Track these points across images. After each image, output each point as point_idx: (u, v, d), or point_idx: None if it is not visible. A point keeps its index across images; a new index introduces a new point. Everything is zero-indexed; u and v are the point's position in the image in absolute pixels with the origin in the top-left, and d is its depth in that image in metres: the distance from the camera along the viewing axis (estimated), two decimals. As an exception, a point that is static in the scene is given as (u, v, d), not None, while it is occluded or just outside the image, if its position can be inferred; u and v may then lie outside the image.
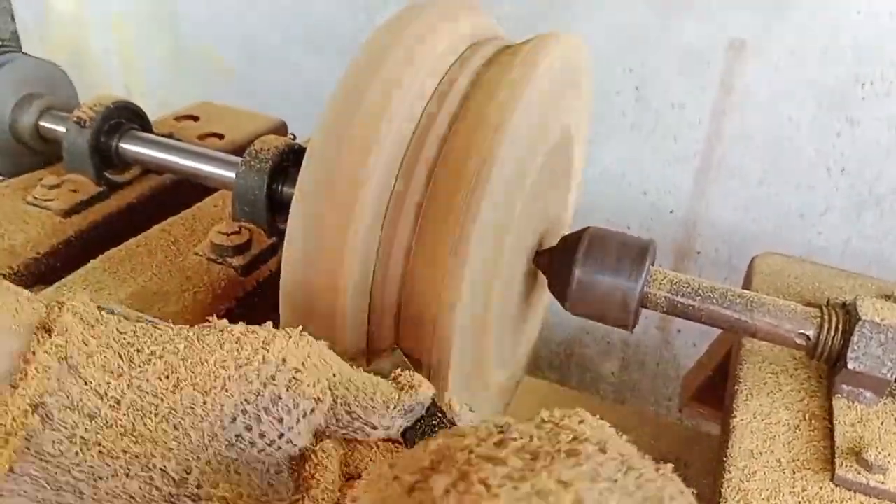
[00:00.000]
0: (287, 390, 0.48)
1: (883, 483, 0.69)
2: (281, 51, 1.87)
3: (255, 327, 0.51)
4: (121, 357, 0.46)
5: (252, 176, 0.88)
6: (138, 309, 0.60)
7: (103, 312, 0.49)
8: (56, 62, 1.14)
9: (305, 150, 0.69)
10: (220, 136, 1.21)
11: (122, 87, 2.17)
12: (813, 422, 0.77)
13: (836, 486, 0.70)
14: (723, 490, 0.69)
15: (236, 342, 0.49)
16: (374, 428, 0.53)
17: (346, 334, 0.71)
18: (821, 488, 0.70)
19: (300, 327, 0.53)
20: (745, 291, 0.79)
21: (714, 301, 0.78)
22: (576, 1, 1.49)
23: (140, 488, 0.45)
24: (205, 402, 0.46)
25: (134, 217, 1.01)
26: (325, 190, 0.68)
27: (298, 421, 0.49)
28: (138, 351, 0.47)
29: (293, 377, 0.48)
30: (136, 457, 0.45)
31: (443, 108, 0.72)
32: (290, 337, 0.51)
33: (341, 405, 0.51)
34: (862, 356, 0.74)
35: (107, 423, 0.44)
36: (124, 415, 0.44)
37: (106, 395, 0.44)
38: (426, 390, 0.56)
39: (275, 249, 0.90)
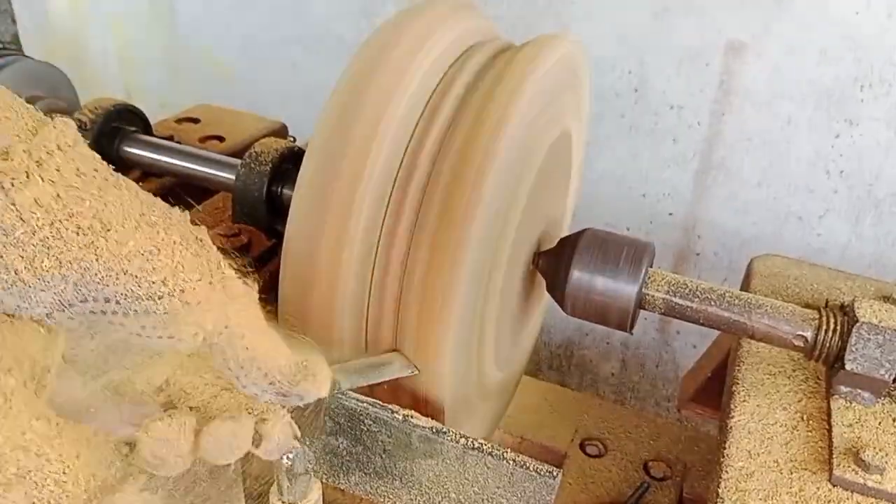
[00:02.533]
0: (164, 314, 0.52)
1: (880, 483, 0.69)
2: (280, 51, 1.88)
3: (190, 245, 0.54)
4: (58, 199, 0.50)
5: (252, 178, 0.88)
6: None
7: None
8: (55, 62, 1.15)
9: (305, 153, 0.69)
10: (221, 139, 1.22)
11: (121, 87, 2.17)
12: (811, 422, 0.77)
13: (834, 486, 0.70)
14: (720, 490, 0.70)
15: (156, 252, 0.52)
16: (243, 386, 0.57)
17: (344, 335, 0.71)
18: (818, 488, 0.70)
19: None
20: (744, 293, 0.79)
21: (712, 302, 0.78)
22: (575, 2, 1.49)
23: (9, 306, 0.51)
24: (97, 273, 0.50)
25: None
26: (325, 192, 0.68)
27: (160, 338, 0.53)
28: (78, 199, 0.50)
29: (177, 307, 0.52)
30: (23, 282, 0.50)
31: (442, 109, 0.72)
32: (211, 282, 0.54)
33: (222, 351, 0.55)
34: (860, 357, 0.74)
35: (16, 243, 0.49)
36: (31, 244, 0.49)
37: (27, 221, 0.48)
38: (311, 391, 0.59)
39: (274, 251, 0.90)
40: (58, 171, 0.50)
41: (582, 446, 1.05)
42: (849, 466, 0.71)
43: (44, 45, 2.16)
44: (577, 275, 0.79)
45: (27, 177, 0.49)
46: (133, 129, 1.05)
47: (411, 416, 0.67)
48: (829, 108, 1.40)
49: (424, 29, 0.74)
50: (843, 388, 0.78)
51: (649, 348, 1.78)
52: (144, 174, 1.07)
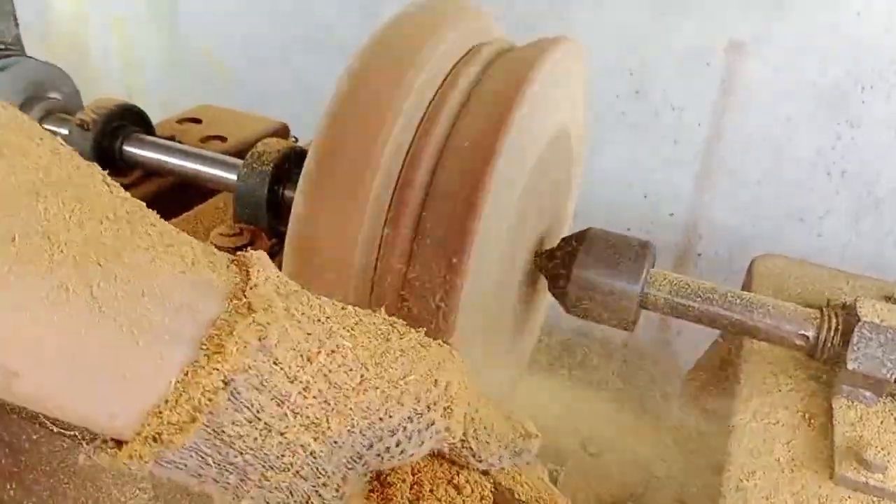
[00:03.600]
0: (441, 417, 0.46)
1: (882, 482, 0.69)
2: (281, 52, 1.88)
3: (427, 340, 0.49)
4: (309, 337, 0.43)
5: (254, 178, 0.88)
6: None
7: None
8: (56, 63, 1.15)
9: (307, 153, 0.70)
10: (223, 139, 1.22)
11: (123, 87, 2.17)
12: (812, 421, 0.77)
13: (836, 485, 0.70)
14: (722, 489, 0.70)
15: (416, 353, 0.47)
16: (480, 461, 0.52)
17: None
18: (820, 487, 0.70)
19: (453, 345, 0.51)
20: (745, 293, 0.79)
21: (714, 302, 0.78)
22: (576, 2, 1.49)
23: (306, 490, 0.43)
24: (382, 408, 0.44)
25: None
26: (327, 192, 0.68)
27: (431, 441, 0.47)
28: (328, 335, 0.43)
29: (449, 406, 0.47)
30: (315, 456, 0.43)
31: (443, 109, 0.72)
32: (455, 358, 0.49)
33: (473, 429, 0.50)
34: (862, 357, 0.74)
35: (294, 410, 0.41)
36: (310, 405, 0.41)
37: (296, 379, 0.41)
38: (537, 440, 0.55)
39: (276, 252, 0.90)
40: (296, 310, 0.43)
41: (583, 445, 1.05)
42: (851, 465, 0.71)
43: (45, 46, 2.16)
44: (579, 274, 0.79)
45: (273, 314, 0.41)
46: (135, 129, 1.05)
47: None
48: (830, 109, 1.40)
49: (426, 29, 0.74)
50: (844, 388, 0.78)
51: (650, 348, 1.78)
52: (146, 174, 1.07)
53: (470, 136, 0.69)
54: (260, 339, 0.40)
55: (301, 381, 0.41)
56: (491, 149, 0.67)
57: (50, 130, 1.06)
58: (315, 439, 0.42)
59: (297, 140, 1.20)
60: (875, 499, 0.69)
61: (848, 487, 0.70)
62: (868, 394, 0.77)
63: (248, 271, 0.44)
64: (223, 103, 1.36)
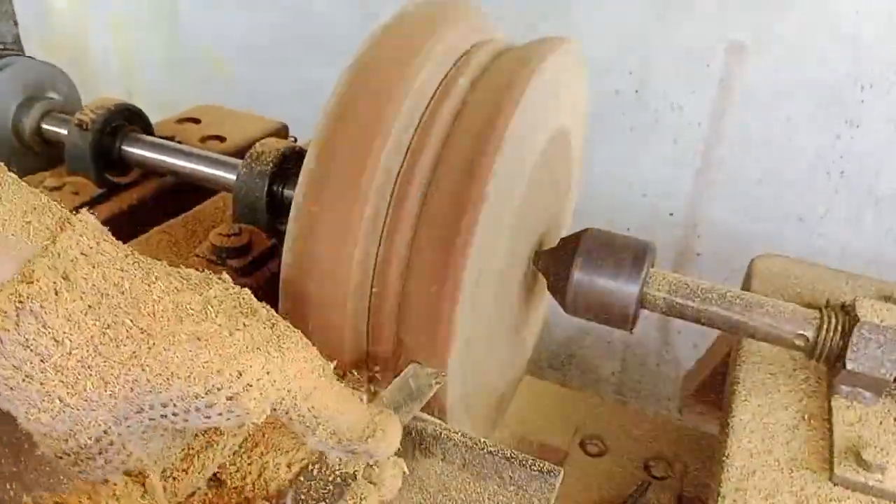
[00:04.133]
0: (227, 400, 0.51)
1: (881, 482, 0.69)
2: (281, 52, 1.88)
3: (236, 320, 0.53)
4: (90, 310, 0.48)
5: (253, 178, 0.88)
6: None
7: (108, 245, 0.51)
8: (56, 63, 1.15)
9: (306, 153, 0.70)
10: (222, 139, 1.22)
11: (122, 88, 2.18)
12: (812, 421, 0.77)
13: (835, 485, 0.70)
14: (721, 489, 0.70)
15: (212, 339, 0.51)
16: (312, 443, 0.57)
17: (345, 336, 0.71)
18: (819, 487, 0.70)
19: (284, 335, 0.55)
20: (745, 292, 0.79)
21: (713, 302, 0.78)
22: (576, 2, 1.49)
23: (62, 433, 0.50)
24: (147, 382, 0.49)
25: (134, 219, 1.01)
26: (326, 192, 0.68)
27: (224, 419, 0.52)
28: (112, 311, 0.49)
29: (238, 392, 0.51)
30: (70, 407, 0.49)
31: (443, 108, 0.72)
32: (275, 351, 0.53)
33: (287, 413, 0.54)
34: (861, 357, 0.74)
35: (54, 367, 0.47)
36: (71, 367, 0.48)
37: (62, 342, 0.47)
38: (382, 448, 0.58)
39: (275, 251, 0.90)
40: (85, 280, 0.48)
41: (582, 445, 1.05)
42: (850, 465, 0.71)
43: (45, 46, 2.16)
44: (578, 274, 0.79)
45: (56, 294, 0.47)
46: (134, 128, 1.05)
47: (413, 415, 0.67)
48: (830, 109, 1.40)
49: (426, 28, 0.74)
50: (844, 388, 0.78)
51: (650, 347, 1.78)
52: (145, 174, 1.07)
53: (469, 135, 0.69)
54: (19, 307, 0.46)
55: (65, 346, 0.47)
56: (490, 148, 0.67)
57: (50, 130, 1.06)
58: (69, 395, 0.48)
59: (295, 140, 1.20)
60: (874, 499, 0.69)
61: (847, 488, 0.70)
62: (867, 394, 0.77)
63: (57, 236, 0.49)
64: (223, 103, 1.36)
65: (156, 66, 2.11)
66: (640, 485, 0.98)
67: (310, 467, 0.61)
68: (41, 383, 0.47)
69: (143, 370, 0.49)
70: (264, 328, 0.54)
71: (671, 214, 1.61)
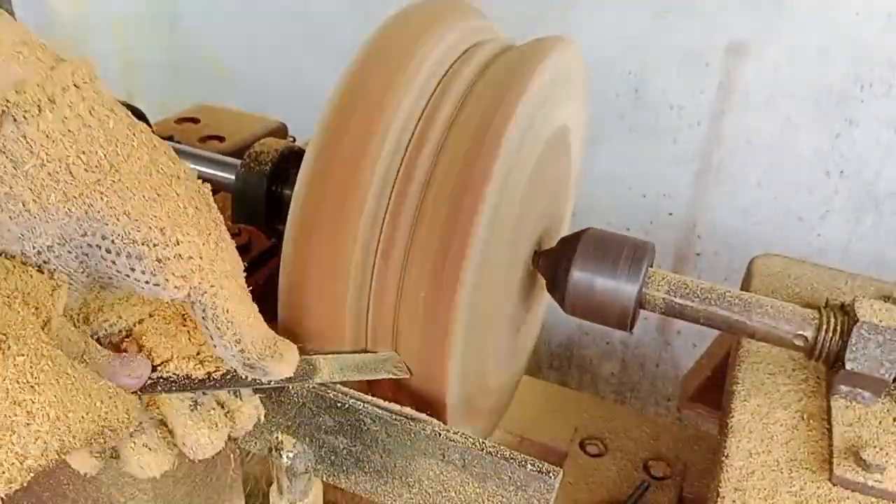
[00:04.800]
0: (156, 261, 0.54)
1: (881, 482, 0.69)
2: (281, 52, 1.88)
3: (195, 200, 0.57)
4: (69, 134, 0.51)
5: (252, 178, 0.88)
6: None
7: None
8: (56, 64, 1.15)
9: (305, 153, 0.70)
10: (221, 139, 1.22)
11: (122, 88, 2.18)
12: (811, 422, 0.77)
13: (834, 485, 0.70)
14: (721, 490, 0.70)
15: (164, 201, 0.55)
16: (213, 341, 0.58)
17: (344, 337, 0.71)
18: (819, 488, 0.70)
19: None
20: (744, 293, 0.79)
21: (712, 302, 0.78)
22: (576, 2, 1.49)
23: (13, 236, 0.53)
24: (100, 211, 0.52)
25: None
26: (325, 192, 0.68)
27: (146, 279, 0.55)
28: (89, 140, 0.52)
29: (169, 257, 0.54)
30: (29, 213, 0.52)
31: (442, 108, 0.72)
32: (206, 241, 0.56)
33: (204, 309, 0.57)
34: (860, 357, 0.74)
35: (24, 174, 0.50)
36: (40, 178, 0.51)
37: (36, 154, 0.50)
38: (276, 370, 0.61)
39: (274, 251, 0.90)
40: (70, 107, 0.51)
41: (582, 445, 1.05)
42: (849, 466, 0.71)
43: (45, 47, 2.15)
44: (577, 274, 0.79)
45: (39, 110, 0.50)
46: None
47: (412, 415, 0.67)
48: (830, 108, 1.40)
49: (425, 28, 0.74)
50: (843, 388, 0.78)
51: (649, 348, 1.78)
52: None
53: (468, 135, 0.69)
54: (4, 111, 0.49)
55: (39, 158, 0.50)
56: (490, 149, 0.67)
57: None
58: (33, 201, 0.51)
59: (294, 140, 1.20)
60: (873, 499, 0.69)
61: (846, 488, 0.70)
62: (866, 394, 0.77)
63: (56, 66, 0.52)
64: (223, 104, 1.36)
65: (156, 67, 2.11)
66: (639, 485, 0.98)
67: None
68: (10, 186, 0.51)
69: (101, 198, 0.52)
70: (211, 221, 0.57)
71: (670, 214, 1.61)
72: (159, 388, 0.60)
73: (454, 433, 0.65)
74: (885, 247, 1.46)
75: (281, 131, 1.29)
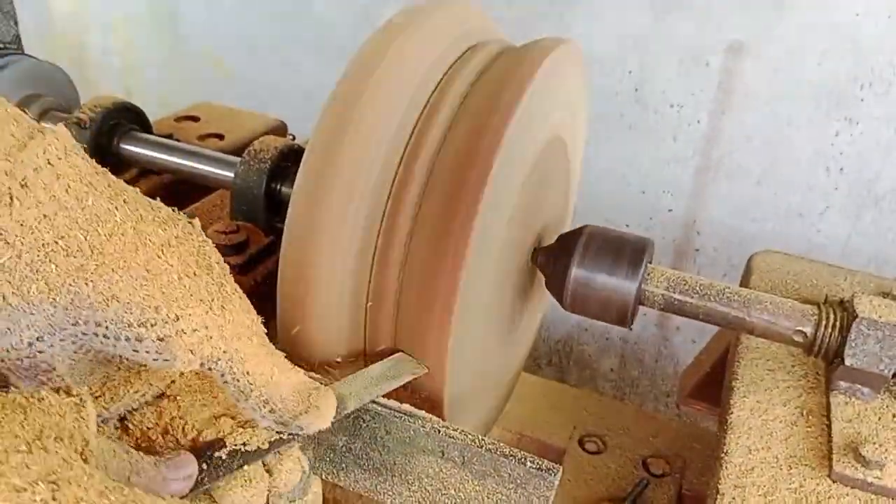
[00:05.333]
0: (157, 340, 0.51)
1: (880, 479, 0.69)
2: (280, 51, 1.88)
3: (189, 267, 0.54)
4: (45, 220, 0.49)
5: (251, 176, 0.88)
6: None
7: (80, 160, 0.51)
8: (56, 62, 1.15)
9: (304, 151, 0.69)
10: (220, 137, 1.22)
11: (123, 88, 2.18)
12: (810, 418, 0.77)
13: (834, 481, 0.70)
14: (720, 486, 0.70)
15: (161, 276, 0.52)
16: (238, 402, 0.56)
17: (343, 334, 0.71)
18: (818, 484, 0.70)
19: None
20: (743, 289, 0.79)
21: (712, 298, 0.78)
22: (576, 2, 1.49)
23: (4, 331, 0.51)
24: (88, 297, 0.50)
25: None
26: (324, 190, 0.68)
27: (151, 357, 0.52)
28: (68, 225, 0.49)
29: (170, 335, 0.51)
30: (11, 306, 0.49)
31: (442, 107, 0.72)
32: (209, 308, 0.53)
33: (223, 375, 0.54)
34: (859, 353, 0.74)
35: (2, 267, 0.48)
36: (19, 269, 0.48)
37: (12, 245, 0.48)
38: (313, 423, 0.58)
39: (272, 248, 0.90)
40: (44, 189, 0.49)
41: (581, 442, 1.05)
42: (848, 462, 0.71)
43: (45, 46, 2.16)
44: (577, 271, 0.79)
45: (10, 199, 0.47)
46: (132, 126, 1.05)
47: (411, 412, 0.67)
48: (829, 107, 1.40)
49: (425, 28, 0.74)
50: (842, 384, 0.78)
51: (648, 344, 1.78)
52: (143, 172, 1.07)
53: (468, 135, 0.69)
54: None
55: (16, 249, 0.48)
56: (489, 148, 0.67)
57: (47, 128, 1.06)
58: (14, 294, 0.49)
59: (294, 138, 1.20)
60: (873, 496, 0.69)
61: (846, 484, 0.70)
62: (866, 390, 0.77)
63: (27, 143, 0.49)
64: (222, 103, 1.36)
65: (156, 66, 2.11)
66: (638, 482, 0.98)
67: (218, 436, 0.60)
68: None
69: (86, 284, 0.50)
70: (212, 284, 0.54)
71: (670, 211, 1.61)
72: (207, 482, 0.57)
73: (453, 430, 0.65)
74: (884, 244, 1.46)
75: (280, 129, 1.29)
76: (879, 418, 0.76)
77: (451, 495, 0.65)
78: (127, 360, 0.56)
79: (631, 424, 1.08)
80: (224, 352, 0.53)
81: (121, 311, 0.50)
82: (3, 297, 0.49)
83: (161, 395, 0.61)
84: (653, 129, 1.54)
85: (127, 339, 0.51)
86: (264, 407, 0.56)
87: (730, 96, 1.46)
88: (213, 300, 0.54)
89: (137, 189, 0.55)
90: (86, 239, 0.50)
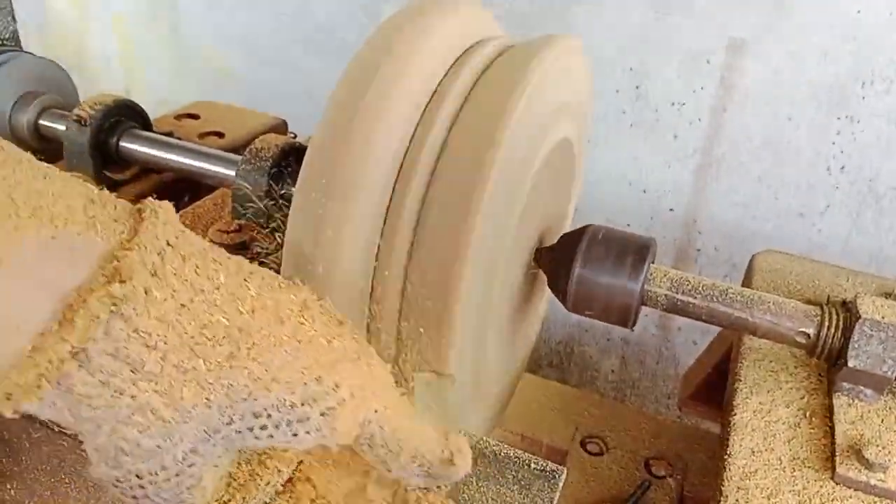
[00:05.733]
0: (321, 416, 0.46)
1: (883, 481, 0.69)
2: (281, 50, 1.88)
3: (337, 335, 0.49)
4: (182, 309, 0.43)
5: (252, 174, 0.88)
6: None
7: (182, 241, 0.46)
8: (56, 61, 1.15)
9: (306, 149, 0.69)
10: (221, 135, 1.22)
11: (122, 86, 2.17)
12: (813, 419, 0.77)
13: (837, 483, 0.70)
14: (723, 488, 0.69)
15: (310, 344, 0.47)
16: (388, 469, 0.51)
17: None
18: (821, 486, 0.70)
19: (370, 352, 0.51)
20: (745, 289, 0.79)
21: (714, 299, 0.78)
22: (576, 1, 1.49)
23: (145, 452, 0.44)
24: (245, 387, 0.44)
25: (134, 215, 1.01)
26: (326, 189, 0.68)
27: (310, 437, 0.47)
28: (207, 307, 0.44)
29: (334, 406, 0.46)
30: (163, 420, 0.43)
31: (443, 107, 0.71)
32: (365, 365, 0.49)
33: (372, 437, 0.49)
34: (862, 354, 0.74)
35: (147, 377, 0.42)
36: (167, 374, 0.43)
37: (155, 347, 0.42)
38: (461, 468, 0.53)
39: (274, 248, 0.90)
40: (175, 275, 0.44)
41: (582, 444, 1.05)
42: (852, 464, 0.70)
43: (44, 43, 2.16)
44: (579, 271, 0.79)
45: (146, 293, 0.42)
46: (132, 124, 1.05)
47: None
48: (830, 105, 1.39)
49: (426, 27, 0.74)
50: (845, 385, 0.78)
51: (650, 345, 1.78)
52: (143, 170, 1.07)
53: (471, 133, 0.69)
54: (112, 311, 0.41)
55: (160, 350, 0.42)
56: (491, 147, 0.66)
57: (47, 126, 1.06)
58: (165, 405, 0.43)
59: (295, 136, 1.20)
60: (876, 498, 0.69)
61: (849, 487, 0.70)
62: (869, 391, 0.77)
63: (136, 227, 0.44)
64: (223, 101, 1.35)
65: (156, 65, 2.10)
66: (640, 484, 0.97)
67: None
68: (132, 396, 0.42)
69: (241, 372, 0.44)
70: (353, 340, 0.50)
71: (671, 210, 1.60)
72: None
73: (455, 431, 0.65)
74: (885, 242, 1.46)
75: (281, 128, 1.29)
76: (882, 420, 0.75)
77: (454, 497, 0.65)
78: (264, 447, 0.51)
79: (633, 426, 1.07)
80: (375, 411, 0.49)
81: (283, 394, 0.45)
82: (153, 412, 0.43)
83: (289, 480, 0.56)
84: (654, 127, 1.54)
85: (289, 422, 0.46)
86: (414, 462, 0.51)
87: (730, 94, 1.45)
88: (358, 356, 0.49)
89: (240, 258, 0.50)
90: (229, 322, 0.44)
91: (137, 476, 0.45)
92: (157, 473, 0.45)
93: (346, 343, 0.49)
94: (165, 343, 0.42)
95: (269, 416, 0.45)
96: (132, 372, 0.42)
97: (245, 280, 0.47)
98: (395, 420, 0.50)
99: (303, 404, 0.45)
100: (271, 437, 0.46)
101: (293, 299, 0.48)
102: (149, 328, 0.42)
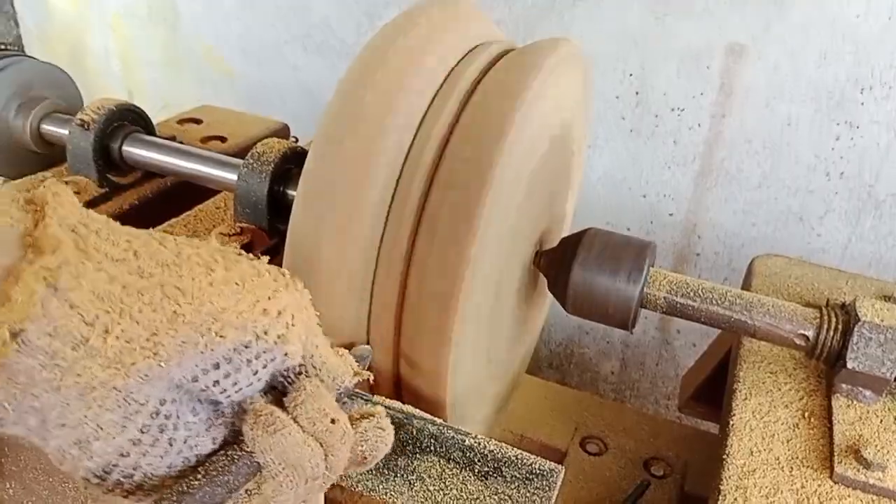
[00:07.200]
0: (276, 344, 0.48)
1: (881, 481, 0.69)
2: (281, 52, 1.88)
3: (263, 269, 0.50)
4: (111, 278, 0.42)
5: (254, 178, 0.89)
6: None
7: (92, 219, 0.46)
8: (56, 62, 1.15)
9: (307, 153, 0.70)
10: (223, 139, 1.22)
11: (123, 88, 2.18)
12: (812, 420, 0.77)
13: (835, 483, 0.71)
14: (722, 488, 0.70)
15: (243, 284, 0.48)
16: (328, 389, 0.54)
17: (345, 335, 0.71)
18: (820, 486, 0.70)
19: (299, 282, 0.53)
20: (745, 292, 0.80)
21: (714, 301, 0.78)
22: (576, 4, 1.50)
23: (116, 420, 0.43)
24: (201, 342, 0.44)
25: (136, 219, 1.02)
26: (327, 192, 0.68)
27: (267, 370, 0.49)
28: (134, 273, 0.44)
29: (283, 333, 0.48)
30: (116, 389, 0.42)
31: (444, 110, 0.72)
32: (294, 289, 0.51)
33: (309, 359, 0.52)
34: (861, 356, 0.74)
35: (91, 353, 0.41)
36: (111, 346, 0.41)
37: (96, 321, 0.41)
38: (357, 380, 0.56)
39: (276, 250, 0.90)
40: (96, 249, 0.43)
41: (582, 444, 1.05)
42: (850, 464, 0.71)
43: (45, 46, 2.16)
44: (579, 274, 0.79)
45: (76, 267, 0.41)
46: (135, 129, 1.05)
47: (413, 413, 0.67)
48: (830, 110, 1.40)
49: (427, 30, 0.74)
50: (844, 387, 0.78)
51: (649, 347, 1.78)
52: (146, 174, 1.08)
53: (471, 137, 0.70)
54: (48, 285, 0.40)
55: (101, 324, 0.41)
56: (492, 150, 0.67)
57: (50, 130, 1.07)
58: (117, 376, 0.42)
59: (297, 140, 1.20)
60: (874, 497, 0.69)
61: (847, 486, 0.70)
62: (868, 393, 0.78)
63: (42, 210, 0.43)
64: (223, 103, 1.36)
65: (156, 66, 2.11)
66: (639, 484, 0.98)
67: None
68: (78, 374, 0.41)
69: (189, 327, 0.43)
70: (273, 273, 0.51)
71: (671, 215, 1.61)
72: None
73: (456, 431, 0.65)
74: (884, 248, 1.46)
75: (283, 132, 1.30)
76: (881, 421, 0.76)
77: (454, 496, 0.66)
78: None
79: (632, 426, 1.08)
80: (306, 333, 0.51)
81: (238, 336, 0.46)
82: (104, 385, 0.42)
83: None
84: (653, 132, 1.54)
85: (248, 361, 0.47)
86: (337, 384, 0.54)
87: (730, 99, 1.46)
88: (287, 284, 0.50)
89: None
90: (163, 283, 0.44)
91: (122, 455, 0.45)
92: (137, 441, 0.45)
93: (273, 272, 0.50)
94: (107, 313, 0.41)
95: (229, 360, 0.46)
96: (73, 350, 0.41)
97: (160, 243, 0.47)
98: (318, 339, 0.53)
99: (257, 339, 0.46)
100: (236, 383, 0.47)
101: (210, 248, 0.49)
102: (85, 302, 0.41)
